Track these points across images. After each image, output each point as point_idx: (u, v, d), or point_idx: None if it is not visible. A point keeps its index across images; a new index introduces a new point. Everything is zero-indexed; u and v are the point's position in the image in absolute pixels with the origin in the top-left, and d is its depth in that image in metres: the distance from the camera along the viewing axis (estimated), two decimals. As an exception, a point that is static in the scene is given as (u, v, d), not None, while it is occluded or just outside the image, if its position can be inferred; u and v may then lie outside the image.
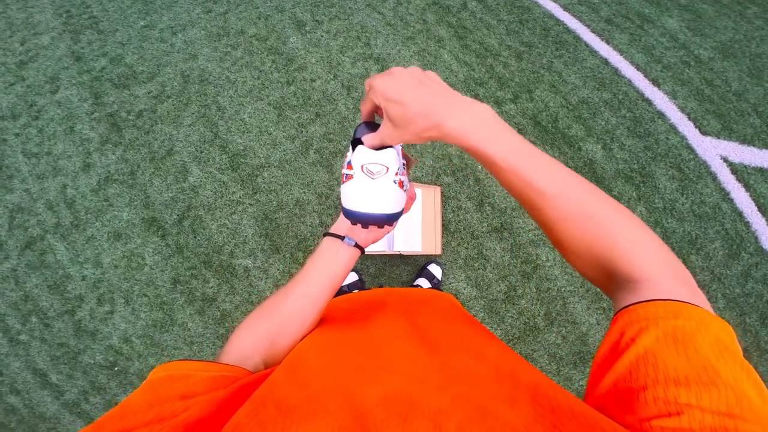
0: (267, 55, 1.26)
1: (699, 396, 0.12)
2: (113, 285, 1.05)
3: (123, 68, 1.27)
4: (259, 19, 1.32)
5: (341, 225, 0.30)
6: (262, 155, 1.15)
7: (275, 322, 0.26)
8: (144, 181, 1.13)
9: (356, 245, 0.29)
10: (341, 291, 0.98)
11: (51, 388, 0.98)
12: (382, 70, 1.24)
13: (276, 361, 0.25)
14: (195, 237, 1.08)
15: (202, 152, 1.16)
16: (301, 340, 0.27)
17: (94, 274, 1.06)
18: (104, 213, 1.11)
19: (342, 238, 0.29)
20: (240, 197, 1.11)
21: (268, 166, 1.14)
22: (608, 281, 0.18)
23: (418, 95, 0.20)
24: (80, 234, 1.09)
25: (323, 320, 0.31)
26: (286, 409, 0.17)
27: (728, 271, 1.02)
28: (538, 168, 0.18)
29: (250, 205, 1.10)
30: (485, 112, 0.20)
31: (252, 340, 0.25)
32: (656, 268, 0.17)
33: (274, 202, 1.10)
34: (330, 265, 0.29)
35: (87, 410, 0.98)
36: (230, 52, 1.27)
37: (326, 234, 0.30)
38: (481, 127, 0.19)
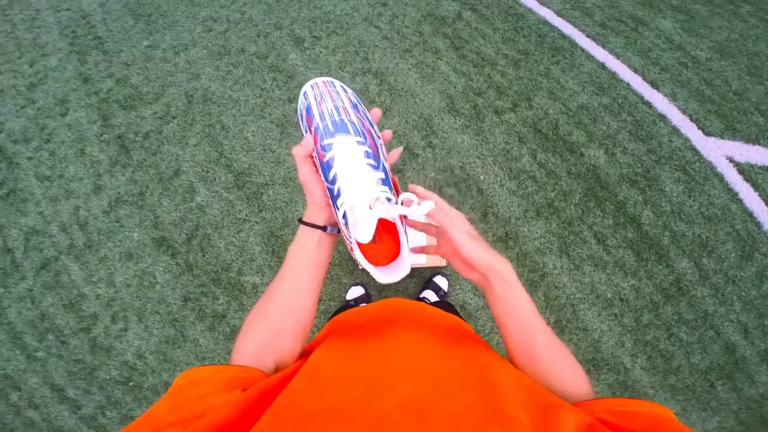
0: (268, 73, 1.29)
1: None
2: (126, 303, 1.08)
3: (129, 89, 1.30)
4: (259, 36, 1.35)
5: (316, 212, 0.28)
6: (266, 173, 1.17)
7: (272, 323, 0.27)
8: (153, 202, 1.16)
9: (338, 230, 0.28)
10: (347, 305, 0.99)
11: (68, 403, 1.01)
12: (381, 84, 1.25)
13: (286, 360, 0.26)
14: (204, 255, 1.10)
15: (208, 172, 1.18)
16: (303, 333, 0.28)
17: (107, 293, 1.09)
18: (116, 234, 1.14)
19: (323, 228, 0.28)
20: (246, 215, 1.13)
21: (273, 184, 1.16)
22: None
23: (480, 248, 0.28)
24: (93, 254, 1.12)
25: (336, 333, 0.31)
26: (306, 417, 0.18)
27: (742, 273, 1.00)
28: (534, 310, 0.28)
29: (257, 222, 1.12)
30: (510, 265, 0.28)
31: (254, 344, 0.26)
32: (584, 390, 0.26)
33: (279, 219, 1.12)
34: (314, 256, 0.28)
35: (104, 424, 1.00)
36: (232, 71, 1.30)
37: (302, 222, 0.28)
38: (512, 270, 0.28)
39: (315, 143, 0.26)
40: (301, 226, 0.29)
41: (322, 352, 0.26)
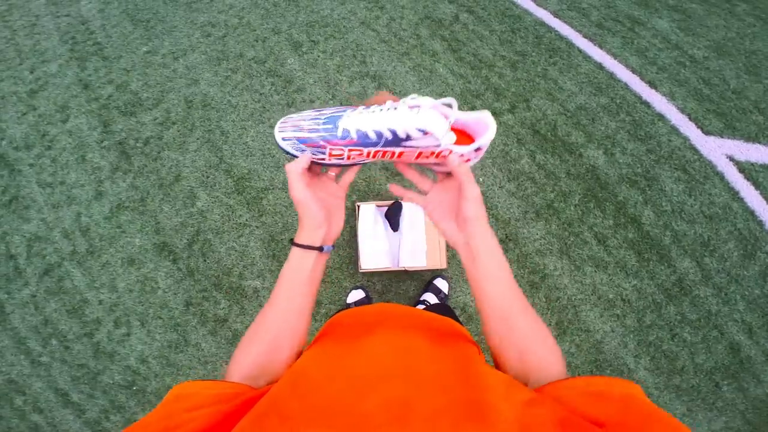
0: (266, 78, 1.30)
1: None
2: (129, 308, 1.09)
3: (129, 95, 1.31)
4: (257, 41, 1.35)
5: (313, 231, 0.28)
6: (266, 178, 1.18)
7: (266, 342, 0.27)
8: (154, 208, 1.17)
9: (333, 247, 0.30)
10: (346, 307, 1.00)
11: (72, 407, 1.02)
12: (379, 88, 1.25)
13: (278, 376, 0.26)
14: (205, 260, 1.11)
15: (208, 177, 1.19)
16: (298, 349, 0.28)
17: (110, 298, 1.10)
18: (117, 239, 1.15)
19: (319, 249, 0.28)
20: (246, 220, 1.14)
21: (273, 189, 1.16)
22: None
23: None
24: (95, 260, 1.13)
25: (326, 335, 0.31)
26: (286, 418, 0.18)
27: (745, 272, 1.00)
28: (513, 279, 0.28)
29: (257, 227, 1.13)
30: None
31: (249, 362, 0.26)
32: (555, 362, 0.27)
33: (279, 224, 1.13)
34: (309, 276, 0.28)
35: (108, 428, 1.01)
36: (230, 76, 1.31)
37: (296, 245, 0.28)
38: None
39: (334, 144, 0.28)
40: (294, 250, 0.28)
41: (307, 355, 0.27)
